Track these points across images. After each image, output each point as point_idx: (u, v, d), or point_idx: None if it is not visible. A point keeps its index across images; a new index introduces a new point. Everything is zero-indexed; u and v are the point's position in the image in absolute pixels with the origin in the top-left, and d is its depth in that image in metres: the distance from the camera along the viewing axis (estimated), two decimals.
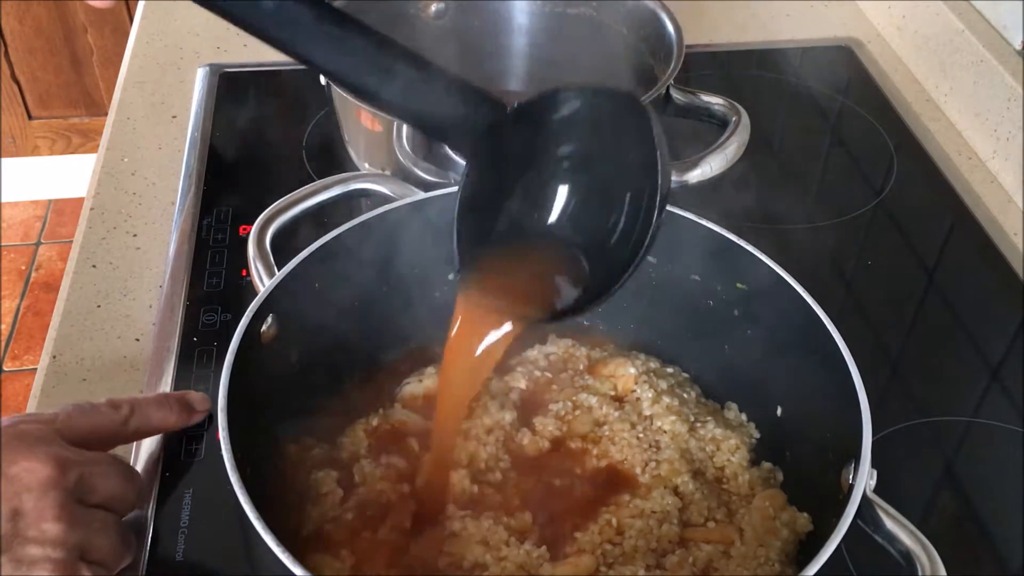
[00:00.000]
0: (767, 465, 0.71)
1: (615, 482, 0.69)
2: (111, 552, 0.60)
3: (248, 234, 0.74)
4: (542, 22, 1.09)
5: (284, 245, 0.73)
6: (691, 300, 0.75)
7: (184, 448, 0.73)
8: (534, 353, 0.78)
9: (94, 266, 0.92)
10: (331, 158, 1.01)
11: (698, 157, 0.86)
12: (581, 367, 0.77)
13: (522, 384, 0.75)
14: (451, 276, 0.78)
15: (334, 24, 0.57)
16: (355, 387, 0.75)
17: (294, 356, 0.70)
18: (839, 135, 1.15)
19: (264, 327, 0.66)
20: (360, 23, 0.58)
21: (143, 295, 0.89)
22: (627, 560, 0.63)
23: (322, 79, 0.93)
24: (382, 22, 0.62)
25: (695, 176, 0.86)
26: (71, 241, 0.96)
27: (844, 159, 1.13)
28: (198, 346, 0.82)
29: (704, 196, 0.85)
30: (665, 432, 0.71)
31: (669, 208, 0.72)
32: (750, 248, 0.70)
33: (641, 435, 0.71)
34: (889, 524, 0.56)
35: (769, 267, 0.69)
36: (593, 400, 0.73)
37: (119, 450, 0.70)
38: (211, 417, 0.74)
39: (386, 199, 0.77)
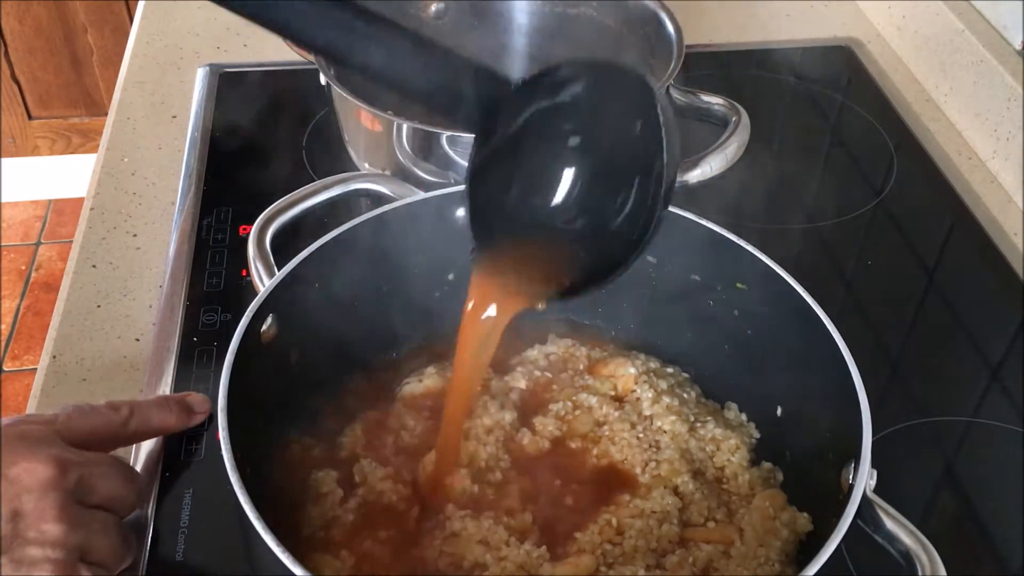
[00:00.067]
0: (767, 465, 0.71)
1: (615, 482, 0.69)
2: (111, 553, 0.60)
3: (248, 234, 0.74)
4: (542, 22, 1.09)
5: (284, 245, 0.73)
6: (691, 300, 0.75)
7: (184, 448, 0.73)
8: (534, 353, 0.78)
9: (94, 266, 0.92)
10: (331, 158, 1.01)
11: (698, 157, 0.86)
12: (581, 367, 0.77)
13: (522, 384, 0.75)
14: (450, 276, 0.78)
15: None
16: (355, 387, 0.75)
17: (294, 356, 0.70)
18: (839, 135, 1.15)
19: (264, 327, 0.66)
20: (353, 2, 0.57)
21: (143, 295, 0.89)
22: (627, 560, 0.63)
23: (322, 79, 0.93)
24: None
25: (695, 176, 0.86)
26: (71, 241, 0.96)
27: (844, 159, 1.13)
28: (198, 346, 0.82)
29: (704, 196, 0.85)
30: (665, 432, 0.71)
31: (669, 209, 0.73)
32: (750, 248, 0.70)
33: (641, 435, 0.71)
34: (889, 524, 0.56)
35: (769, 267, 0.69)
36: (593, 400, 0.73)
37: (119, 451, 0.70)
38: (211, 417, 0.74)
39: (386, 199, 0.77)
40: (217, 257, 0.90)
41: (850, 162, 1.12)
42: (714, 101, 0.92)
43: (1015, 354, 0.87)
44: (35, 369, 0.84)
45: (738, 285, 0.72)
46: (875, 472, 0.57)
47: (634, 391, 0.74)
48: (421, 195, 0.75)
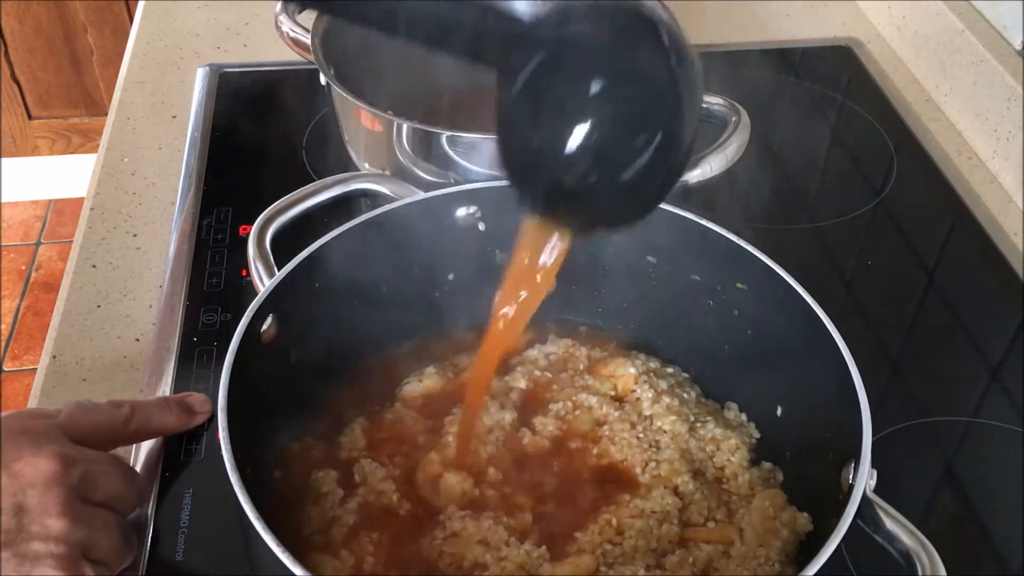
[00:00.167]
0: (767, 465, 0.71)
1: (615, 482, 0.69)
2: (113, 551, 0.60)
3: (248, 234, 0.74)
4: None
5: (284, 245, 0.73)
6: (691, 300, 0.75)
7: (184, 448, 0.73)
8: (534, 353, 0.78)
9: (94, 266, 0.92)
10: (331, 158, 1.01)
11: (698, 157, 0.86)
12: (581, 367, 0.77)
13: (522, 384, 0.75)
14: (450, 276, 0.78)
15: None
16: (355, 387, 0.75)
17: (294, 356, 0.70)
18: (839, 135, 1.15)
19: (264, 327, 0.66)
20: None
21: (143, 295, 0.89)
22: (627, 560, 0.63)
23: (322, 79, 0.93)
24: None
25: (695, 176, 0.86)
26: (71, 241, 0.96)
27: (844, 159, 1.13)
28: (198, 346, 0.82)
29: (704, 196, 0.85)
30: (665, 432, 0.71)
31: (669, 209, 0.73)
32: (750, 248, 0.70)
33: (641, 435, 0.71)
34: (889, 524, 0.56)
35: (769, 267, 0.69)
36: (593, 400, 0.73)
37: (119, 452, 0.70)
38: (211, 417, 0.74)
39: (386, 199, 0.77)
40: (217, 257, 0.90)
41: (850, 162, 1.12)
42: (714, 101, 0.92)
43: (1015, 354, 0.87)
44: (35, 369, 0.84)
45: (738, 285, 0.72)
46: (875, 472, 0.57)
47: (634, 391, 0.74)
48: (421, 195, 0.75)
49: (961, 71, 1.13)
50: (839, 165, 1.11)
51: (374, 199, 0.79)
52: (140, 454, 0.73)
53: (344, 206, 0.79)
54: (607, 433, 0.71)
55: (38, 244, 2.46)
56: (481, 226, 0.76)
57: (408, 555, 0.64)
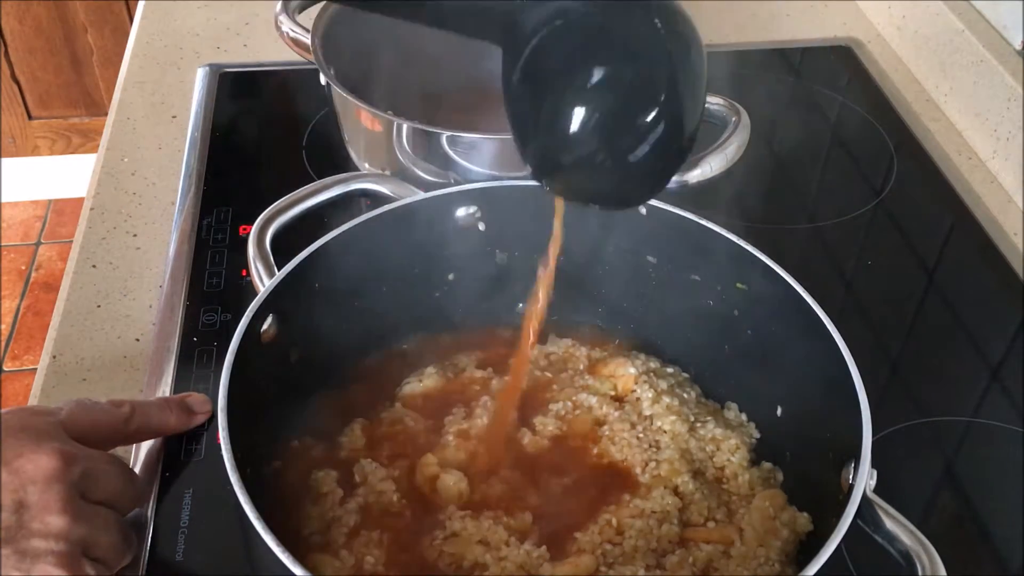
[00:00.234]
0: (767, 465, 0.71)
1: (615, 482, 0.69)
2: (113, 549, 0.60)
3: (248, 234, 0.74)
4: None
5: (284, 245, 0.73)
6: (691, 300, 0.75)
7: (184, 448, 0.73)
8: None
9: (94, 266, 0.92)
10: (331, 158, 1.01)
11: (698, 157, 0.86)
12: (581, 367, 0.77)
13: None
14: (450, 276, 0.78)
15: None
16: (355, 386, 0.75)
17: (294, 356, 0.70)
18: (839, 135, 1.15)
19: (264, 327, 0.66)
20: None
21: (143, 295, 0.89)
22: (627, 560, 0.63)
23: (322, 79, 0.93)
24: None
25: (695, 176, 0.86)
26: (71, 241, 0.96)
27: (844, 159, 1.12)
28: (198, 346, 0.82)
29: (704, 196, 0.85)
30: (665, 432, 0.71)
31: (669, 209, 0.73)
32: (750, 248, 0.70)
33: (641, 435, 0.71)
34: (889, 524, 0.56)
35: (769, 267, 0.69)
36: (593, 400, 0.73)
37: (120, 452, 0.70)
38: (211, 417, 0.74)
39: (386, 199, 0.77)
40: (217, 257, 0.90)
41: (850, 162, 1.11)
42: (714, 101, 0.92)
43: (1015, 354, 0.87)
44: (35, 369, 0.84)
45: (738, 285, 0.72)
46: (875, 472, 0.57)
47: (634, 391, 0.74)
48: (421, 195, 0.75)
49: (961, 71, 1.13)
50: (839, 165, 1.11)
51: (374, 199, 0.79)
52: (140, 454, 0.73)
53: (344, 206, 0.79)
54: (607, 433, 0.71)
55: (38, 244, 2.46)
56: (481, 226, 0.77)
57: (408, 555, 0.64)
